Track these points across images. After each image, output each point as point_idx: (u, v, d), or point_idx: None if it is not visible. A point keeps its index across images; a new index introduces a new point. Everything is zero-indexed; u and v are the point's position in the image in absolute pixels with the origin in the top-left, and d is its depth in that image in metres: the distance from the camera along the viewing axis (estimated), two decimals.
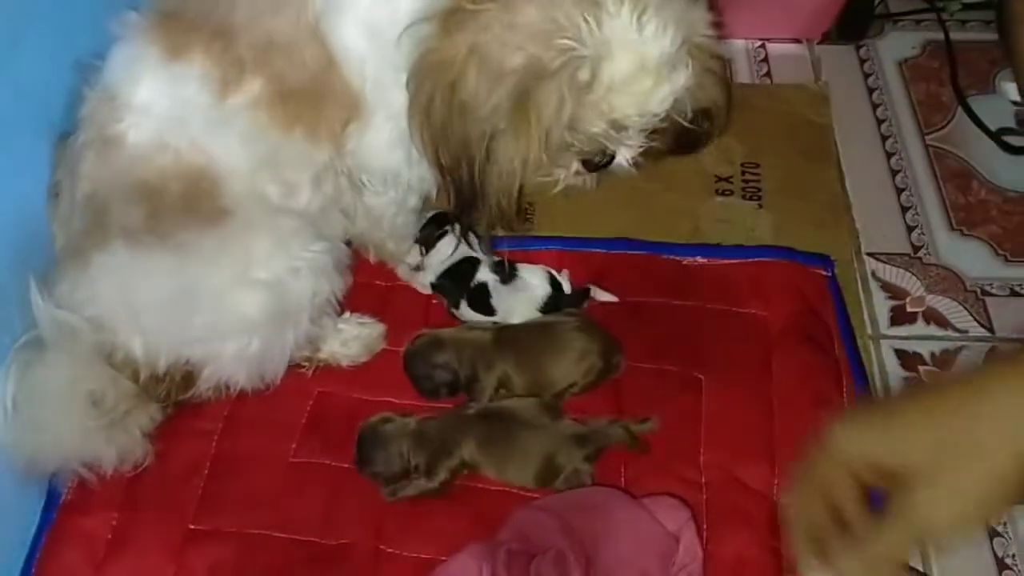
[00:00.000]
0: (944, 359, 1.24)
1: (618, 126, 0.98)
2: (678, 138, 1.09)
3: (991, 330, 1.27)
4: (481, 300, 1.20)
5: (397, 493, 1.06)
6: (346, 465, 1.09)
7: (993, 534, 1.08)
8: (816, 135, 1.48)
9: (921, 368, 1.23)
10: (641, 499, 1.02)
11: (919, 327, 1.28)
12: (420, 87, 0.96)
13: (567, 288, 1.21)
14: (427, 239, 1.26)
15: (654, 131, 1.02)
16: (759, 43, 1.64)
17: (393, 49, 0.96)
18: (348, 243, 1.20)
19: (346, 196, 1.15)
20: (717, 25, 1.00)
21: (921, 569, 1.03)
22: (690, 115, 1.02)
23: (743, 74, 1.59)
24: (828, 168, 1.44)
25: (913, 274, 1.33)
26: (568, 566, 0.94)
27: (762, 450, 1.10)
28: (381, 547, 1.03)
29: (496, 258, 1.22)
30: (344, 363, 1.18)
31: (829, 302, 1.24)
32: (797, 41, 1.64)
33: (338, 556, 1.03)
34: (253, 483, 1.08)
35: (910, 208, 1.41)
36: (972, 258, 1.35)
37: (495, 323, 1.19)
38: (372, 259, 1.27)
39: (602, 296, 1.24)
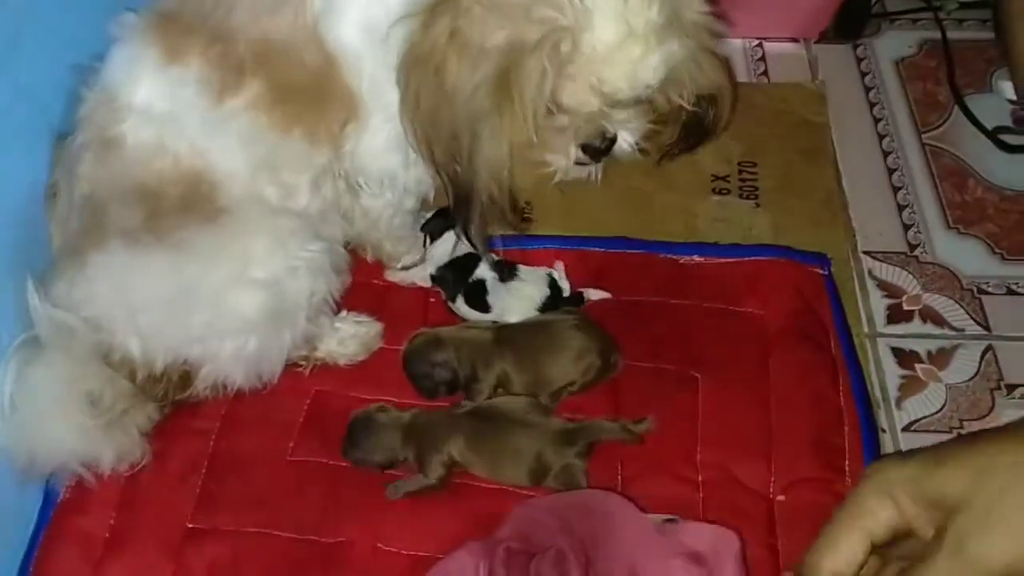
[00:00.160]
0: (940, 357, 1.24)
1: (612, 101, 0.96)
2: (685, 128, 1.08)
3: (987, 328, 1.27)
4: (477, 296, 1.20)
5: (400, 491, 1.06)
6: (344, 464, 1.09)
7: None
8: (813, 134, 1.48)
9: (918, 366, 1.24)
10: (687, 522, 1.00)
11: (916, 325, 1.28)
12: (407, 80, 0.96)
13: (566, 289, 1.22)
14: (434, 229, 1.26)
15: (657, 119, 1.01)
16: (756, 42, 1.64)
17: (387, 48, 0.96)
18: (346, 245, 1.20)
19: (345, 199, 1.15)
20: (714, 11, 0.99)
21: None
22: (694, 99, 1.01)
23: (740, 73, 1.59)
24: (825, 167, 1.44)
25: (910, 272, 1.33)
26: (568, 565, 0.94)
27: (759, 448, 1.10)
28: (379, 545, 1.03)
29: (495, 257, 1.22)
30: (342, 362, 1.18)
31: (826, 300, 1.24)
32: (794, 40, 1.65)
33: (336, 554, 1.03)
34: (251, 482, 1.08)
35: (907, 206, 1.41)
36: (968, 256, 1.35)
37: (494, 322, 1.19)
38: (369, 258, 1.28)
39: (595, 295, 1.24)
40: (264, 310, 1.04)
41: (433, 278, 1.25)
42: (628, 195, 1.38)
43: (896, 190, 1.43)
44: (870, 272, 1.33)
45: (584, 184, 1.08)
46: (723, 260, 1.28)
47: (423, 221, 1.27)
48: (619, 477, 1.08)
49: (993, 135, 1.48)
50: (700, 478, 1.08)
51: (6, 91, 1.01)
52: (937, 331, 1.27)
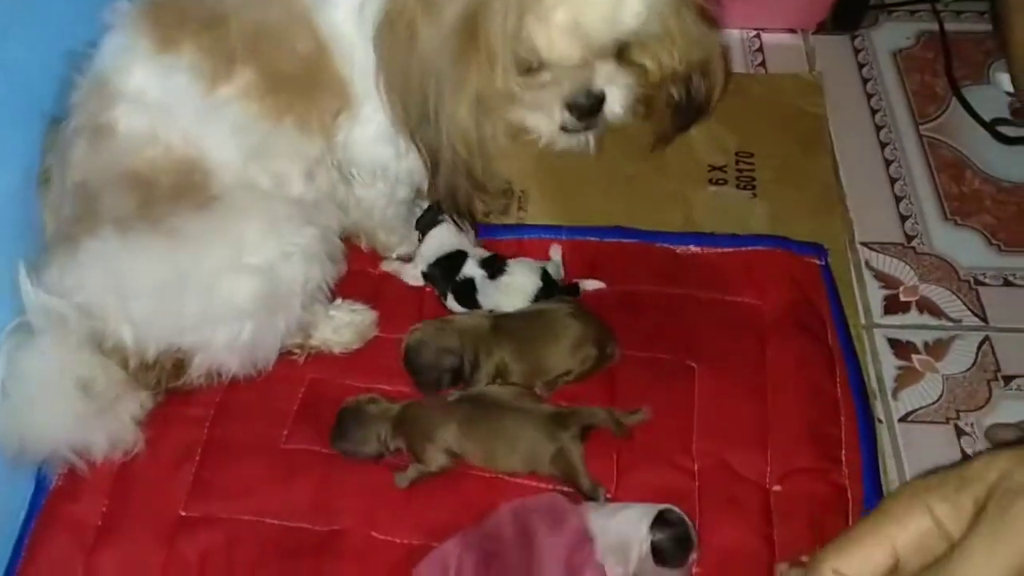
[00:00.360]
0: (937, 348, 1.24)
1: (593, 48, 0.92)
2: (677, 106, 1.07)
3: (984, 319, 1.27)
4: (467, 295, 1.20)
5: (407, 480, 1.05)
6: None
7: None
8: (810, 125, 1.48)
9: (914, 357, 1.23)
10: None
11: (912, 316, 1.28)
12: (381, 48, 0.94)
13: (556, 274, 1.21)
14: (425, 226, 1.25)
15: (649, 85, 0.98)
16: (754, 33, 1.64)
17: (364, 20, 0.95)
18: (341, 234, 1.19)
19: (340, 189, 1.14)
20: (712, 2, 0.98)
21: None
22: (684, 63, 0.99)
23: (738, 63, 1.59)
24: (822, 158, 1.43)
25: (906, 263, 1.33)
26: None
27: (755, 438, 1.10)
28: (373, 534, 1.03)
29: (485, 253, 1.21)
30: (336, 350, 1.18)
31: (823, 291, 1.24)
32: (792, 31, 1.64)
33: (329, 542, 1.02)
34: (244, 470, 1.07)
35: (904, 198, 1.41)
36: (965, 248, 1.35)
37: (490, 311, 1.19)
38: (364, 247, 1.27)
39: (590, 285, 1.23)
40: (258, 296, 1.03)
41: (424, 275, 1.24)
42: (624, 185, 1.38)
43: (893, 181, 1.43)
44: (867, 263, 1.33)
45: (576, 154, 1.04)
46: (720, 250, 1.28)
47: (419, 215, 1.26)
48: (615, 466, 1.07)
49: (990, 127, 1.48)
50: (696, 468, 1.08)
51: None
52: (934, 322, 1.27)
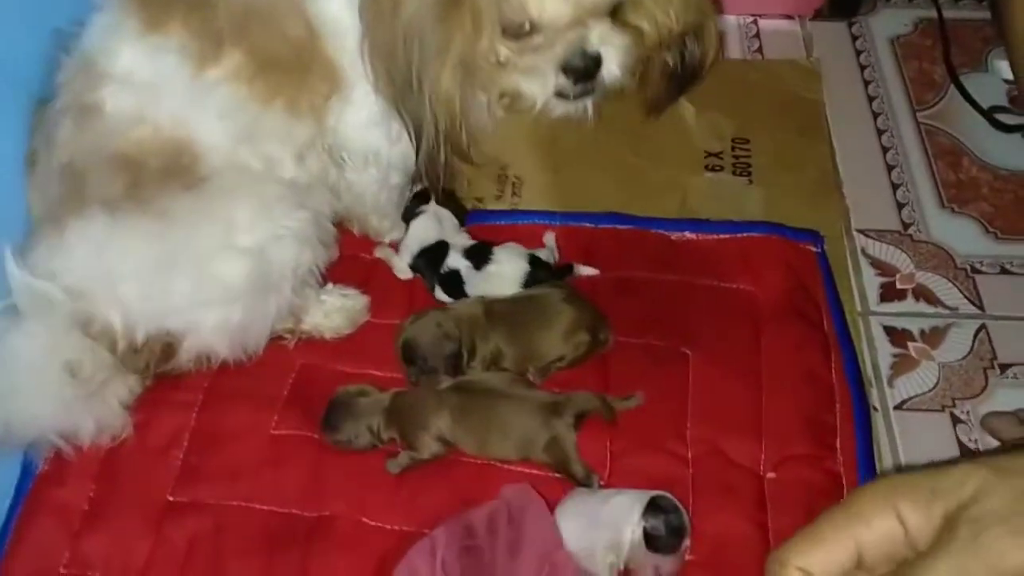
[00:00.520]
0: (933, 336, 1.23)
1: (586, 7, 0.90)
2: (673, 73, 1.05)
3: (981, 307, 1.26)
4: (454, 286, 1.18)
5: (400, 466, 1.04)
6: None
7: None
8: (807, 111, 1.47)
9: (910, 344, 1.23)
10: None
11: (909, 304, 1.27)
12: (366, 18, 0.93)
13: (547, 257, 1.20)
14: (407, 216, 1.24)
15: (644, 45, 0.96)
16: (751, 19, 1.63)
17: None
18: (333, 219, 1.18)
19: (332, 173, 1.13)
20: None
21: None
22: (680, 25, 0.97)
23: (735, 50, 1.58)
24: (819, 144, 1.42)
25: (903, 251, 1.32)
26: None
27: (750, 425, 1.09)
28: (363, 520, 1.02)
29: (469, 242, 1.19)
30: (327, 335, 1.16)
31: (819, 278, 1.23)
32: (789, 17, 1.63)
33: (319, 528, 1.01)
34: (233, 455, 1.06)
35: (901, 185, 1.40)
36: (962, 235, 1.34)
37: (481, 297, 1.17)
38: (356, 232, 1.26)
39: (584, 271, 1.22)
40: (249, 278, 1.02)
41: (411, 267, 1.22)
42: (620, 171, 1.37)
43: (890, 168, 1.42)
44: (863, 250, 1.32)
45: (574, 122, 1.01)
46: (715, 236, 1.27)
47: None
48: (608, 453, 1.06)
49: (988, 114, 1.47)
50: (690, 454, 1.07)
51: None
52: (930, 310, 1.26)
